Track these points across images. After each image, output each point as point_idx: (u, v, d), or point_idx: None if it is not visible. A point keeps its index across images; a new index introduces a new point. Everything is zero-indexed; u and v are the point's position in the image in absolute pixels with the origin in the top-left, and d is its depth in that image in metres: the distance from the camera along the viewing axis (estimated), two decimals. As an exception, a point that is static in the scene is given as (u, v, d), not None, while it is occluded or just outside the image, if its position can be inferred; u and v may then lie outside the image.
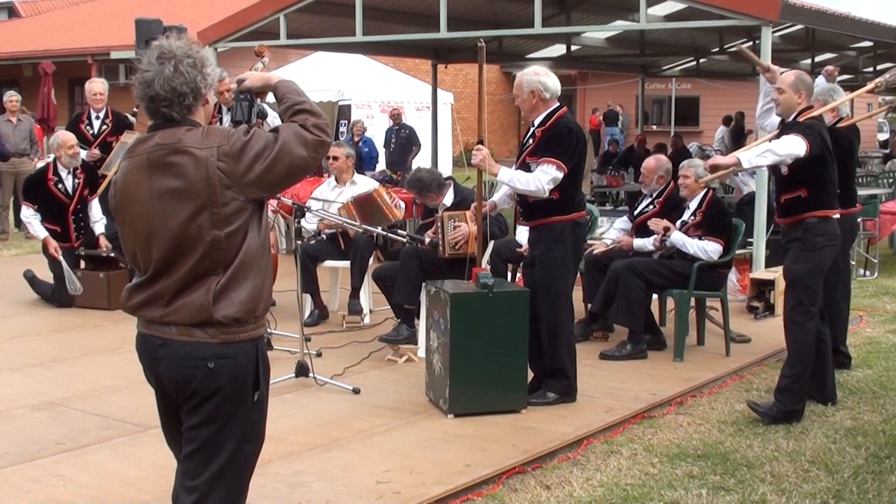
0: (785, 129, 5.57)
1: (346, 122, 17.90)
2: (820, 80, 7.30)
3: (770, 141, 5.58)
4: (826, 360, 5.78)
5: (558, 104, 5.64)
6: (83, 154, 9.11)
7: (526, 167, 5.60)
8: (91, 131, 9.59)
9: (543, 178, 5.46)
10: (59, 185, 8.68)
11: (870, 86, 6.47)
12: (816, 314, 5.57)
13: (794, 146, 5.32)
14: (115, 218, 3.09)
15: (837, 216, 5.61)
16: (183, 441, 3.05)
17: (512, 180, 5.56)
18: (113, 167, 8.90)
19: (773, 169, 5.72)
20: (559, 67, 16.48)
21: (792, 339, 5.59)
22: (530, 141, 5.65)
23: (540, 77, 5.60)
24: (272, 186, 2.97)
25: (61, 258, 8.42)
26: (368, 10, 11.32)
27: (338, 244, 7.90)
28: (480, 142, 5.56)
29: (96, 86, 9.76)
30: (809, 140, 5.31)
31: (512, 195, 5.93)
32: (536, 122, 5.64)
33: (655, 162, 7.52)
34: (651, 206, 7.36)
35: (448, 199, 7.23)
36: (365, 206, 7.43)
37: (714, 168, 5.72)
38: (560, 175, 5.46)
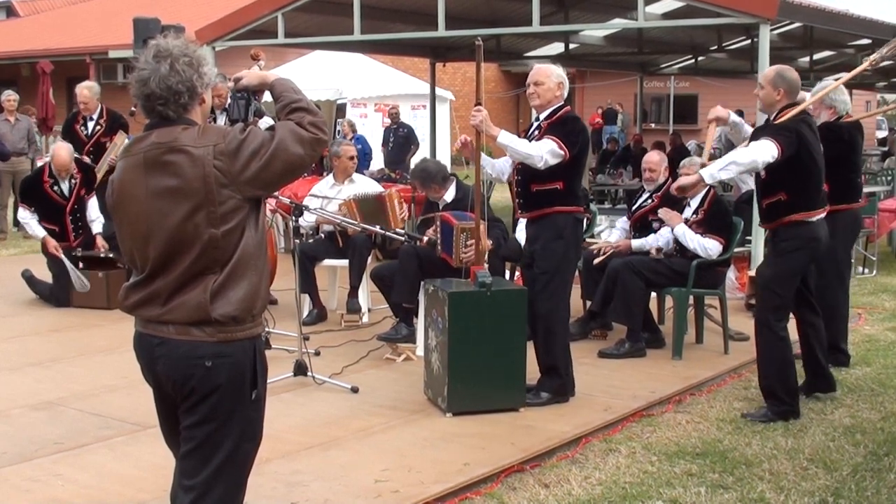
0: (756, 132, 5.50)
1: (341, 120, 17.93)
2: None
3: (743, 147, 5.51)
4: (818, 350, 5.77)
5: (564, 103, 5.69)
6: None
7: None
8: (85, 132, 9.55)
9: (544, 147, 5.44)
10: (55, 187, 8.67)
11: (864, 64, 6.38)
12: (787, 318, 5.53)
13: (761, 153, 5.21)
14: (113, 217, 3.09)
15: (817, 218, 5.47)
16: (181, 440, 3.05)
17: (512, 142, 5.49)
18: (104, 168, 8.93)
19: (756, 173, 5.59)
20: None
21: (761, 341, 5.52)
22: (535, 133, 5.66)
23: (563, 73, 5.69)
24: (269, 184, 2.97)
25: (63, 256, 8.42)
26: (366, 9, 11.31)
27: (336, 243, 7.89)
28: (479, 103, 5.51)
29: (80, 93, 9.56)
30: (781, 141, 5.21)
31: (507, 171, 5.89)
32: (543, 116, 5.66)
33: (658, 156, 7.55)
34: (650, 201, 7.36)
35: (449, 195, 7.23)
36: (372, 205, 7.45)
37: (681, 190, 5.69)
38: (560, 153, 5.44)
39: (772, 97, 5.45)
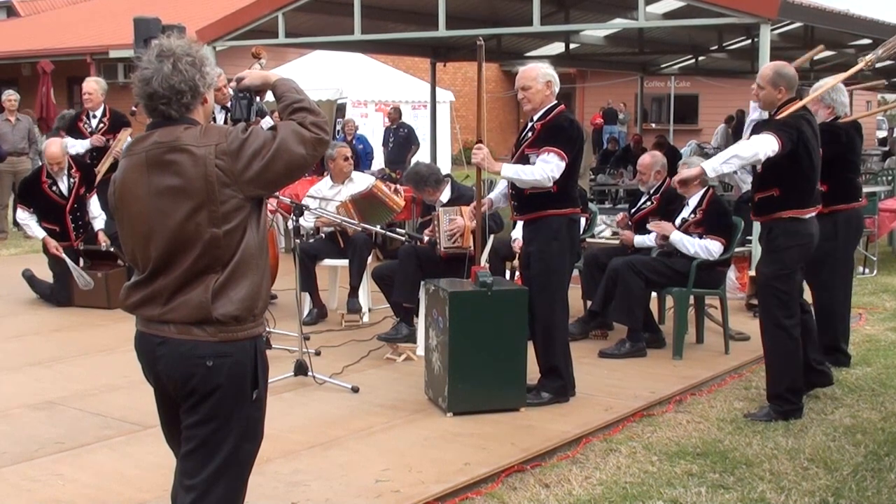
0: (757, 128, 5.50)
1: (341, 120, 17.93)
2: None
3: (745, 141, 5.52)
4: (809, 346, 5.73)
5: (557, 101, 5.67)
6: (84, 145, 9.12)
7: (525, 159, 5.59)
8: (89, 129, 9.57)
9: (547, 167, 5.45)
10: (54, 188, 8.66)
11: (860, 64, 6.34)
12: (796, 314, 5.50)
13: (762, 146, 5.23)
14: (114, 216, 3.09)
15: (809, 216, 5.46)
16: (182, 439, 3.05)
17: (517, 173, 5.51)
18: (107, 163, 8.95)
19: (752, 166, 5.59)
20: (558, 66, 16.32)
21: (772, 344, 5.51)
22: (529, 134, 5.65)
23: (550, 70, 5.66)
24: (270, 184, 2.97)
25: (65, 256, 8.42)
26: (367, 9, 11.31)
27: (336, 243, 7.89)
28: (480, 141, 5.56)
29: (86, 85, 9.60)
30: (781, 137, 5.22)
31: (507, 193, 5.92)
32: (536, 117, 5.65)
33: (651, 158, 7.56)
34: (648, 203, 7.38)
35: (445, 196, 7.24)
36: (366, 203, 7.42)
37: (683, 183, 5.68)
38: (563, 164, 5.45)
39: (773, 96, 5.44)
